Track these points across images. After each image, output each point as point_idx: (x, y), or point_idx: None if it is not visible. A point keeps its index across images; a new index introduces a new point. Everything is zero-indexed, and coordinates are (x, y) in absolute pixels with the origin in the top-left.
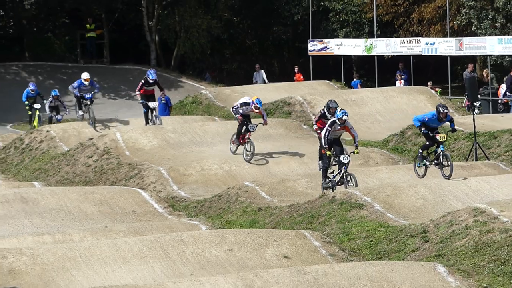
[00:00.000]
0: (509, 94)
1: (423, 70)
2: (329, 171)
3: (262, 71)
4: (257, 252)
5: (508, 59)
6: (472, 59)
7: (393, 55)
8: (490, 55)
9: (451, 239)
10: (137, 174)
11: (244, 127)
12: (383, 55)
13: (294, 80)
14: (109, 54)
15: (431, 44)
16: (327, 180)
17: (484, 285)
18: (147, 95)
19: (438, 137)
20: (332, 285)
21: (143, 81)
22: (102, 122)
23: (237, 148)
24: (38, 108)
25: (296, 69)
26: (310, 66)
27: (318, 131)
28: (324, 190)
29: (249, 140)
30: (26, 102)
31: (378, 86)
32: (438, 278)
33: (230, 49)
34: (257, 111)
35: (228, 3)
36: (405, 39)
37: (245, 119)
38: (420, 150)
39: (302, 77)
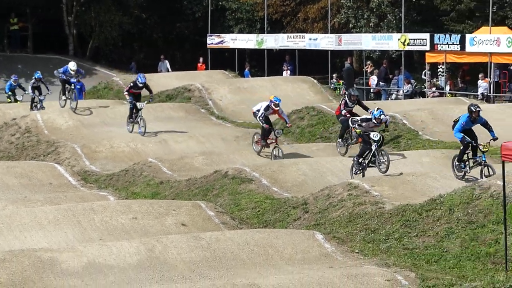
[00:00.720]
0: (382, 83)
1: (307, 62)
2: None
3: (166, 61)
4: (158, 220)
5: (378, 53)
6: (349, 53)
7: (281, 49)
8: (365, 50)
9: (328, 210)
10: (54, 150)
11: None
12: (272, 49)
13: (196, 69)
14: (32, 44)
15: (314, 39)
16: (359, 166)
17: (356, 251)
18: (135, 95)
19: (481, 147)
20: (224, 249)
21: (131, 84)
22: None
23: (261, 149)
24: (20, 100)
25: (201, 60)
26: (208, 58)
27: (342, 117)
28: (354, 175)
29: (276, 145)
30: (10, 93)
31: (267, 76)
32: (316, 244)
33: (139, 42)
34: (277, 108)
35: (138, 1)
36: (291, 35)
37: (269, 124)
38: (457, 162)
39: (204, 67)
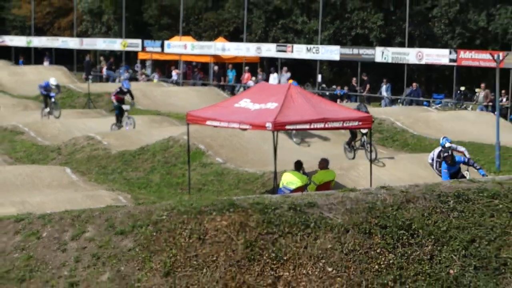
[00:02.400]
0: (108, 72)
1: (62, 57)
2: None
3: None
4: None
5: (107, 51)
6: (88, 51)
7: (43, 47)
8: (99, 49)
9: (74, 153)
10: None
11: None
12: (37, 47)
13: None
14: None
15: (65, 41)
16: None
17: (93, 180)
18: (119, 100)
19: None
20: (4, 178)
21: (118, 89)
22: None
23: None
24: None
25: None
26: None
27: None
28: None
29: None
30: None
31: (34, 65)
32: (66, 175)
33: None
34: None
35: None
36: (50, 37)
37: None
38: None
39: None
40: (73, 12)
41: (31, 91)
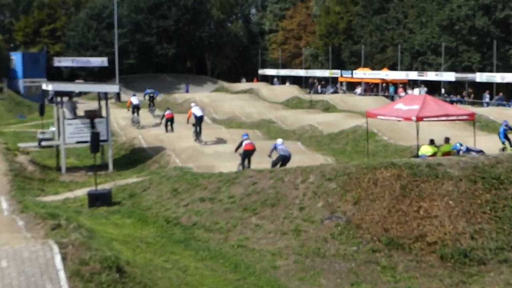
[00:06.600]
0: None
1: None
2: None
3: None
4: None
5: None
6: None
7: None
8: None
9: (303, 134)
10: None
11: None
12: None
13: None
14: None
15: None
16: None
17: (313, 149)
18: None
19: None
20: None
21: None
22: None
23: None
24: None
25: None
26: None
27: None
28: None
29: None
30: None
31: None
32: (298, 146)
33: None
34: None
35: None
36: None
37: None
38: None
39: None
40: (302, 55)
41: (278, 99)
